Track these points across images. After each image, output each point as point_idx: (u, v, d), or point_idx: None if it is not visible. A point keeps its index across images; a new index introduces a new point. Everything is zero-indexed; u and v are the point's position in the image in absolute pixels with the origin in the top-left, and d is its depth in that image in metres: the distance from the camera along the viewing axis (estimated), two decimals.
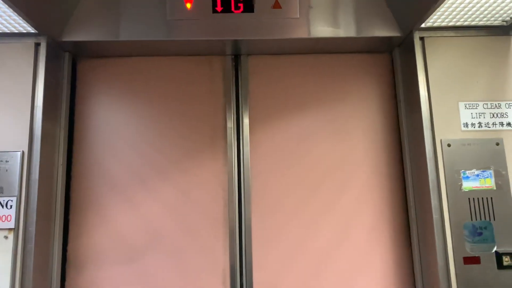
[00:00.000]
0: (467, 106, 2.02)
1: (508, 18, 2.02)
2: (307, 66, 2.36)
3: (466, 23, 2.06)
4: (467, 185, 1.95)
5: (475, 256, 1.89)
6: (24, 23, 1.89)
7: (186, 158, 2.25)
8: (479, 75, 2.06)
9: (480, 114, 2.02)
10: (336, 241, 2.20)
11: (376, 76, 2.36)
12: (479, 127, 2.01)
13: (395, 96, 2.33)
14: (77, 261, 2.16)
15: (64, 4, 2.04)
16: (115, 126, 2.28)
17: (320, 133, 2.30)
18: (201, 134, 2.28)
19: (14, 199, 1.89)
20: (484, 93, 2.05)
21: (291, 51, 2.35)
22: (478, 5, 1.89)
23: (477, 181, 1.95)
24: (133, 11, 2.11)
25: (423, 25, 2.03)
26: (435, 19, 1.98)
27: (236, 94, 2.32)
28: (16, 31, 2.00)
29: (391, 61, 2.37)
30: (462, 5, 1.88)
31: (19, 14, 1.79)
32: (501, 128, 2.01)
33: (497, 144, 1.99)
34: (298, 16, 2.12)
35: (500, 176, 1.96)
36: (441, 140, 1.99)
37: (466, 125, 2.01)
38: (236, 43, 2.20)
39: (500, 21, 2.05)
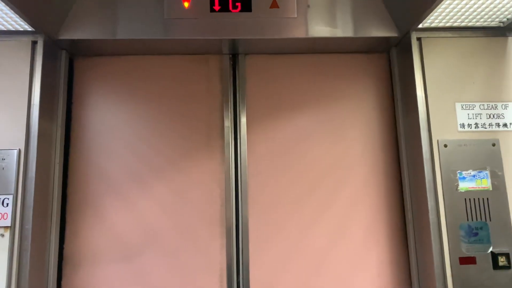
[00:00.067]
0: (464, 106, 2.03)
1: (505, 19, 2.03)
2: (304, 65, 2.36)
3: (463, 24, 2.06)
4: (463, 185, 1.95)
5: (471, 257, 1.89)
6: (21, 21, 1.89)
7: (183, 157, 2.25)
8: (476, 76, 2.06)
9: (477, 115, 2.02)
10: (332, 241, 2.20)
11: (373, 76, 2.36)
12: (475, 127, 2.01)
13: (392, 97, 2.33)
14: (73, 259, 2.16)
15: (61, 2, 2.04)
16: (112, 125, 2.28)
17: (317, 132, 2.30)
18: (198, 133, 2.28)
19: (11, 197, 1.89)
20: (480, 94, 2.05)
21: (289, 50, 2.35)
22: (475, 6, 1.89)
23: (473, 182, 1.96)
24: (130, 10, 2.11)
25: (420, 26, 2.04)
26: (432, 19, 1.99)
27: (234, 93, 2.32)
28: (13, 29, 1.99)
29: (388, 61, 2.37)
30: (459, 6, 1.89)
31: (16, 12, 1.79)
32: (497, 129, 2.02)
33: (493, 144, 1.99)
34: (296, 16, 2.12)
35: (496, 177, 1.96)
36: (437, 141, 1.99)
37: (462, 125, 2.01)
38: (233, 42, 2.20)
39: (497, 22, 2.06)
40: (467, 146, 1.99)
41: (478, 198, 1.94)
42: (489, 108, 2.03)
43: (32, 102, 1.99)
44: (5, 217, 1.87)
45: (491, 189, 1.95)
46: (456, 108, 2.03)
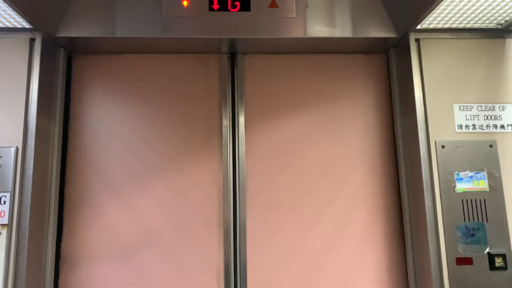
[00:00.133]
0: (462, 108, 2.04)
1: (503, 21, 2.03)
2: (303, 65, 2.37)
3: (461, 26, 2.07)
4: (460, 186, 1.96)
5: (467, 257, 1.90)
6: (19, 18, 1.88)
7: (181, 156, 2.25)
8: (473, 77, 2.07)
9: (474, 116, 2.03)
10: (330, 241, 2.20)
11: (372, 77, 2.36)
12: (473, 129, 2.02)
13: (390, 97, 2.34)
14: (71, 258, 2.15)
15: (60, 0, 2.03)
16: (110, 123, 2.28)
17: (316, 132, 2.30)
18: (197, 132, 2.28)
19: (8, 195, 1.88)
20: (478, 95, 2.06)
21: (287, 50, 2.35)
22: (474, 7, 1.90)
23: (470, 183, 1.96)
24: (129, 8, 2.10)
25: (419, 27, 2.04)
26: (430, 20, 1.99)
27: (232, 92, 2.31)
28: (11, 26, 1.98)
29: (386, 62, 2.37)
30: (458, 8, 1.89)
31: (14, 9, 1.78)
32: (494, 130, 2.03)
33: (491, 146, 2.00)
34: (295, 16, 2.12)
35: (493, 178, 1.97)
36: (435, 142, 2.00)
37: (460, 126, 2.02)
38: (232, 42, 2.20)
39: (495, 24, 2.07)
40: (464, 147, 1.99)
41: (475, 199, 1.95)
42: (486, 109, 2.04)
43: (30, 100, 1.98)
44: (2, 215, 1.87)
45: (488, 190, 1.96)
46: (454, 109, 2.04)
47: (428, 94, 2.05)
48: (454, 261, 1.90)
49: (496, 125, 2.03)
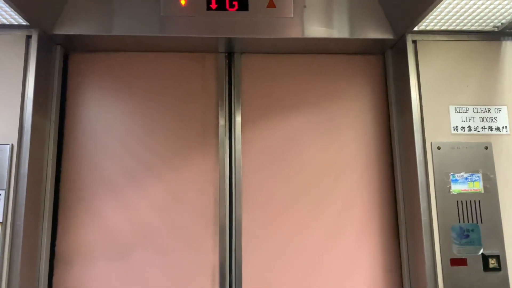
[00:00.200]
0: (458, 109, 2.05)
1: (499, 24, 2.04)
2: (300, 65, 2.37)
3: (458, 28, 2.08)
4: (455, 187, 1.97)
5: (462, 258, 1.91)
6: (16, 15, 1.87)
7: (177, 155, 2.25)
8: (470, 79, 2.08)
9: (470, 118, 2.04)
10: (325, 241, 2.21)
11: (368, 78, 2.37)
12: (468, 130, 2.03)
13: (386, 98, 2.34)
14: (65, 256, 2.14)
15: None
16: (106, 121, 2.27)
17: (312, 132, 2.30)
18: (193, 131, 2.27)
19: (3, 192, 1.87)
20: (474, 97, 2.07)
21: (285, 50, 2.35)
22: (471, 10, 1.90)
23: (465, 184, 1.97)
24: (126, 6, 2.09)
25: (416, 28, 2.05)
26: (427, 22, 2.00)
27: (229, 92, 2.31)
28: (7, 23, 1.97)
29: (383, 63, 2.38)
30: (455, 10, 1.90)
31: (11, 6, 1.77)
32: (490, 132, 2.04)
33: (486, 148, 2.01)
34: (292, 16, 2.12)
35: (488, 180, 1.98)
36: (431, 143, 2.01)
37: (456, 128, 2.03)
38: (229, 41, 2.20)
39: (491, 27, 2.08)
40: (460, 148, 2.00)
41: (470, 201, 1.96)
42: (482, 111, 2.05)
43: (25, 97, 1.96)
44: None
45: (483, 191, 1.97)
46: (450, 111, 2.05)
47: (424, 95, 2.05)
48: (449, 262, 1.90)
49: (491, 127, 2.04)
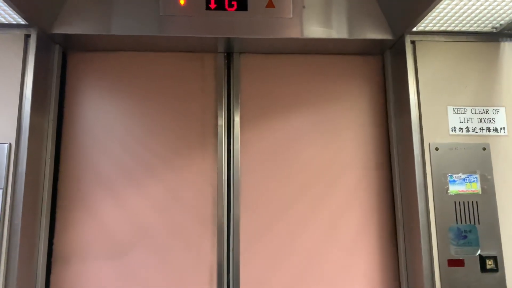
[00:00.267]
0: (456, 110, 2.05)
1: (498, 25, 2.05)
2: (299, 66, 2.37)
3: (457, 29, 2.08)
4: (453, 188, 1.97)
5: (459, 259, 1.91)
6: (15, 14, 1.87)
7: (175, 155, 2.25)
8: (468, 80, 2.08)
9: (468, 118, 2.04)
10: (323, 241, 2.21)
11: (367, 78, 2.37)
12: (466, 131, 2.03)
13: (385, 98, 2.34)
14: (63, 255, 2.14)
15: None
16: (104, 121, 2.27)
17: (310, 133, 2.30)
18: (191, 131, 2.27)
19: (0, 191, 1.87)
20: (472, 98, 2.07)
21: (284, 50, 2.35)
22: (469, 11, 1.91)
23: (463, 185, 1.98)
24: (125, 6, 2.10)
25: (414, 29, 2.05)
26: (426, 23, 2.00)
27: (228, 92, 2.31)
28: (6, 22, 1.97)
29: (382, 64, 2.38)
30: (454, 11, 1.90)
31: (10, 5, 1.77)
32: (488, 133, 2.04)
33: (484, 149, 2.01)
34: (291, 16, 2.12)
35: (485, 181, 1.98)
36: (429, 144, 2.01)
37: (454, 129, 2.03)
38: (228, 41, 2.20)
39: (490, 28, 2.08)
40: (458, 149, 2.00)
41: (468, 202, 1.96)
42: (480, 112, 2.05)
43: (24, 96, 1.96)
44: None
45: (480, 192, 1.97)
46: (448, 112, 2.05)
47: (422, 96, 2.05)
48: (446, 262, 1.91)
49: (489, 128, 2.04)
